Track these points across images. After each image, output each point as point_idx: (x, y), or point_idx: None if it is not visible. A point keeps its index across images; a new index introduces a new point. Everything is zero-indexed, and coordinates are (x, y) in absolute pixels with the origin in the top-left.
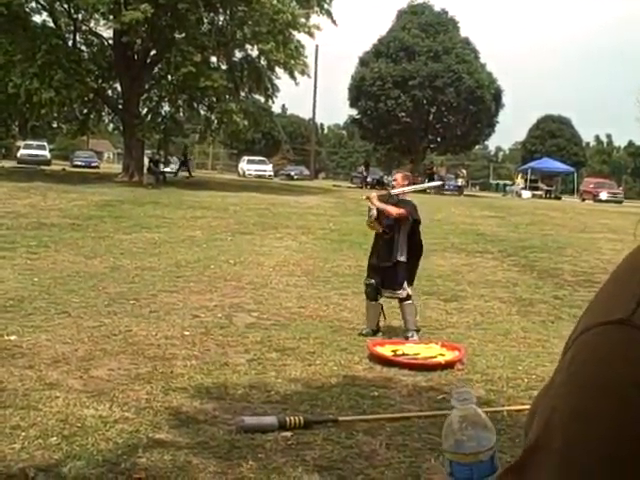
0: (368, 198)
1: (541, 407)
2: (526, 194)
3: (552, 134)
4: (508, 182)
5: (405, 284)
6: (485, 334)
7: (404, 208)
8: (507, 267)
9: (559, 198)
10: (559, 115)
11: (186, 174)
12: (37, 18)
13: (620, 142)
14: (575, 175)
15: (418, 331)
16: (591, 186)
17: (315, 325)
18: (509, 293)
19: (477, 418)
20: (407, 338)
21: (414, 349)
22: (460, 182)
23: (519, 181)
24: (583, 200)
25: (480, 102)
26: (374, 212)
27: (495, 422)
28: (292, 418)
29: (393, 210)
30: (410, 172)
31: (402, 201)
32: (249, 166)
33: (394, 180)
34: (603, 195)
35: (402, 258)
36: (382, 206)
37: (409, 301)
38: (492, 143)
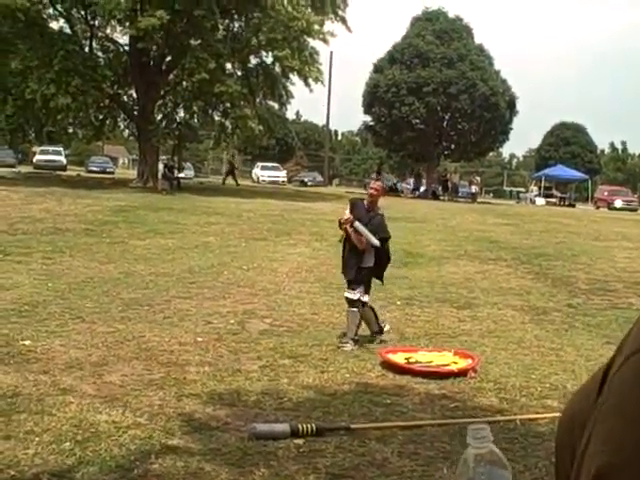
0: (344, 222)
1: (603, 433)
2: (540, 201)
3: (566, 141)
4: (522, 189)
5: (360, 288)
6: (498, 342)
7: (368, 236)
8: (521, 275)
9: (573, 205)
10: (573, 122)
11: (233, 182)
12: (54, 25)
13: (635, 149)
14: (589, 182)
15: (356, 342)
16: (605, 194)
17: (328, 332)
18: (522, 301)
19: (494, 457)
20: (339, 345)
21: (427, 357)
22: (474, 189)
23: (533, 188)
24: (597, 208)
25: (494, 109)
26: (348, 216)
27: (508, 431)
28: (304, 425)
29: (359, 242)
30: (418, 175)
31: (377, 214)
32: (263, 172)
33: (373, 188)
34: (618, 203)
35: (369, 264)
36: (355, 232)
37: (354, 308)
38: (506, 150)
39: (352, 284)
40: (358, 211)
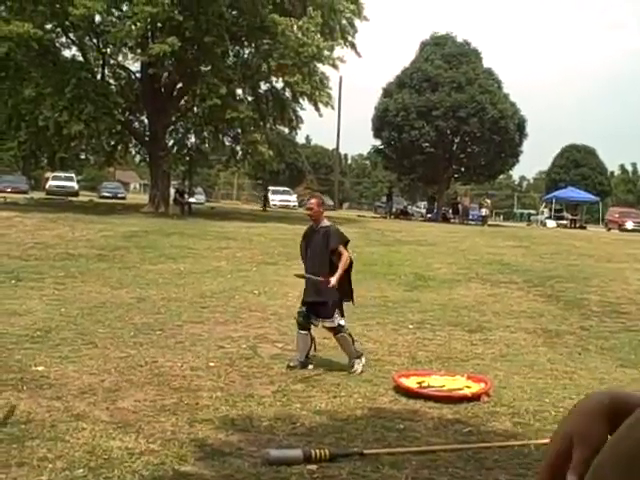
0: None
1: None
2: (551, 223)
3: (576, 163)
4: (532, 211)
5: (336, 314)
6: (511, 366)
7: (316, 279)
8: (532, 297)
9: (584, 227)
10: (583, 144)
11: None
12: (67, 52)
13: None
14: (600, 204)
15: (360, 356)
16: (616, 215)
17: (340, 356)
18: (535, 324)
19: None
20: (352, 367)
21: (440, 381)
22: (484, 212)
23: (544, 210)
24: (609, 230)
25: (504, 132)
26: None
27: (522, 456)
28: (318, 451)
29: (341, 270)
30: (432, 198)
31: (324, 228)
32: (274, 196)
33: (307, 208)
34: (629, 224)
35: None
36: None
37: (341, 333)
38: (516, 172)
39: (326, 316)
40: (309, 236)
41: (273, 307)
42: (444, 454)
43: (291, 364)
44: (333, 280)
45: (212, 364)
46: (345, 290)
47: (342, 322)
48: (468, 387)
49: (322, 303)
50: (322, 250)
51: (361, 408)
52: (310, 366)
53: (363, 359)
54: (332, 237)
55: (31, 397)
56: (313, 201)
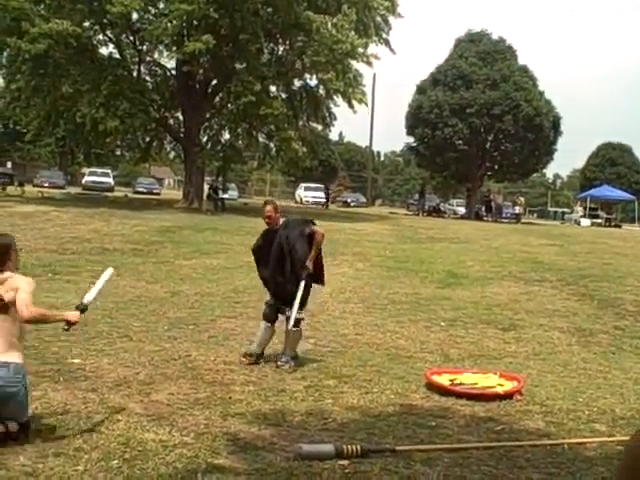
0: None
1: None
2: (585, 222)
3: (612, 161)
4: (566, 210)
5: (302, 307)
6: (544, 364)
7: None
8: (566, 296)
9: (619, 226)
10: (619, 142)
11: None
12: (104, 50)
13: None
14: (636, 203)
15: (295, 358)
16: None
17: (372, 353)
18: (568, 323)
19: None
20: (281, 360)
21: (472, 379)
22: (517, 210)
23: (578, 209)
24: None
25: (538, 130)
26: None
27: (555, 455)
28: (349, 447)
29: (315, 252)
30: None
31: (283, 224)
32: (306, 193)
33: (266, 217)
34: None
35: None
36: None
37: (299, 327)
38: (550, 170)
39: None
40: (268, 237)
41: None
42: (476, 452)
43: (247, 353)
44: (309, 263)
45: (244, 359)
46: (316, 272)
47: (304, 316)
48: (501, 385)
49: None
50: (293, 243)
51: (393, 405)
52: (261, 361)
53: (295, 362)
54: (299, 225)
55: (67, 389)
56: (269, 208)
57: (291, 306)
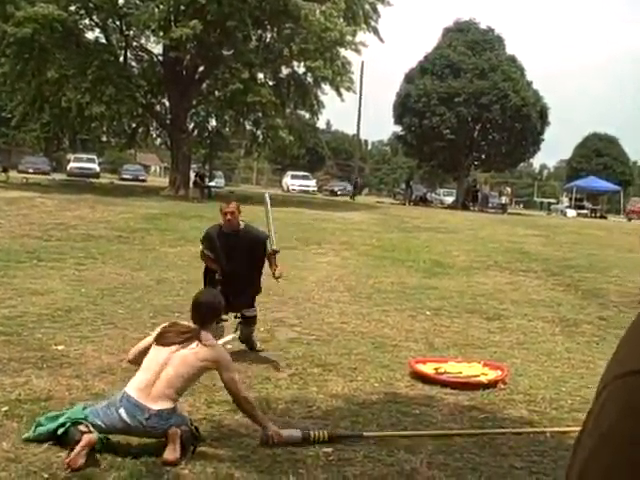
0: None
1: (573, 460)
2: (571, 213)
3: (598, 152)
4: (553, 200)
5: (255, 303)
6: (528, 354)
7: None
8: (551, 286)
9: (605, 217)
10: (606, 133)
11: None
12: (90, 35)
13: None
14: (622, 194)
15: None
16: (638, 206)
17: (357, 341)
18: (553, 313)
19: None
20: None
21: (456, 368)
22: (504, 200)
23: (564, 199)
24: (629, 220)
25: (526, 120)
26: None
27: (538, 444)
28: (316, 432)
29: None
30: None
31: (245, 229)
32: (293, 181)
33: (228, 213)
34: None
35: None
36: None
37: (255, 324)
38: (537, 161)
39: (251, 303)
40: (218, 240)
41: (291, 291)
42: (460, 440)
43: None
44: (278, 273)
45: (229, 346)
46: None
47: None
48: (485, 374)
49: (252, 296)
50: (251, 251)
51: (377, 393)
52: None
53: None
54: (259, 234)
55: (51, 375)
56: (234, 205)
57: (240, 306)
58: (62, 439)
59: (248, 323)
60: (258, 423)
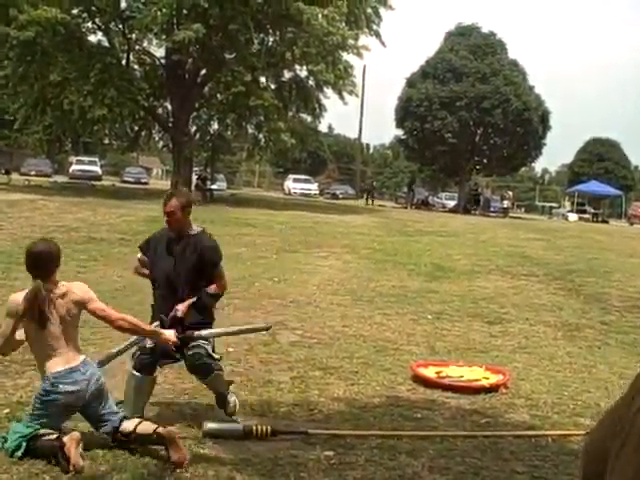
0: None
1: (613, 475)
2: (572, 217)
3: (600, 157)
4: (554, 204)
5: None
6: (530, 358)
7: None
8: (553, 290)
9: (606, 222)
10: (607, 138)
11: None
12: (93, 38)
13: None
14: (623, 199)
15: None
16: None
17: (358, 345)
18: (555, 317)
19: None
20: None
21: (458, 371)
22: (505, 204)
23: (565, 204)
24: (631, 224)
25: (527, 124)
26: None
27: (540, 448)
28: (259, 427)
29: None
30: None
31: (195, 237)
32: (295, 184)
33: (167, 212)
34: None
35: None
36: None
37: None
38: (538, 165)
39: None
40: (159, 247)
41: (292, 294)
42: (461, 444)
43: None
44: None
45: (231, 349)
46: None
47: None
48: (486, 378)
49: (200, 312)
50: (195, 265)
51: (379, 396)
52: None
53: None
54: (214, 250)
55: None
56: (173, 203)
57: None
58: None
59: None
60: (149, 334)
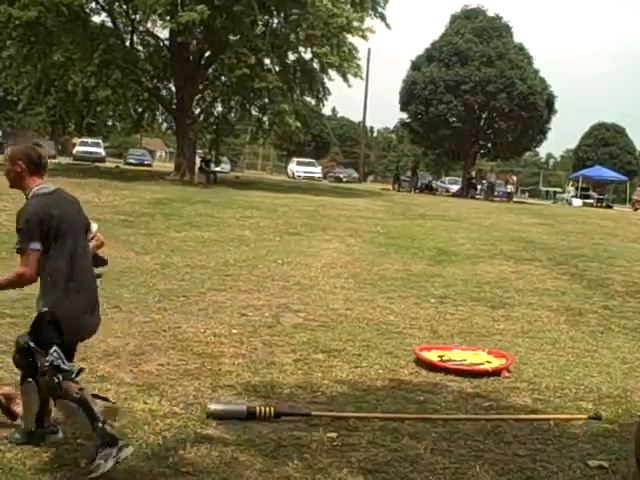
0: None
1: None
2: (577, 202)
3: (605, 142)
4: (559, 189)
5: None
6: (532, 342)
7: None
8: (556, 275)
9: (610, 207)
10: (613, 123)
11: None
12: (96, 18)
13: None
14: (628, 184)
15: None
16: None
17: (362, 328)
18: (558, 302)
19: None
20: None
21: (461, 355)
22: (510, 188)
23: (570, 189)
24: (635, 209)
25: (532, 108)
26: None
27: (542, 431)
28: (262, 408)
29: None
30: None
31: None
32: (298, 167)
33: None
34: None
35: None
36: None
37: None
38: (543, 150)
39: None
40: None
41: (296, 277)
42: (464, 427)
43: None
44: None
45: (235, 331)
46: None
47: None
48: (489, 362)
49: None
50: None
51: (382, 379)
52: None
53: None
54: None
55: None
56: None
57: None
58: None
59: None
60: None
